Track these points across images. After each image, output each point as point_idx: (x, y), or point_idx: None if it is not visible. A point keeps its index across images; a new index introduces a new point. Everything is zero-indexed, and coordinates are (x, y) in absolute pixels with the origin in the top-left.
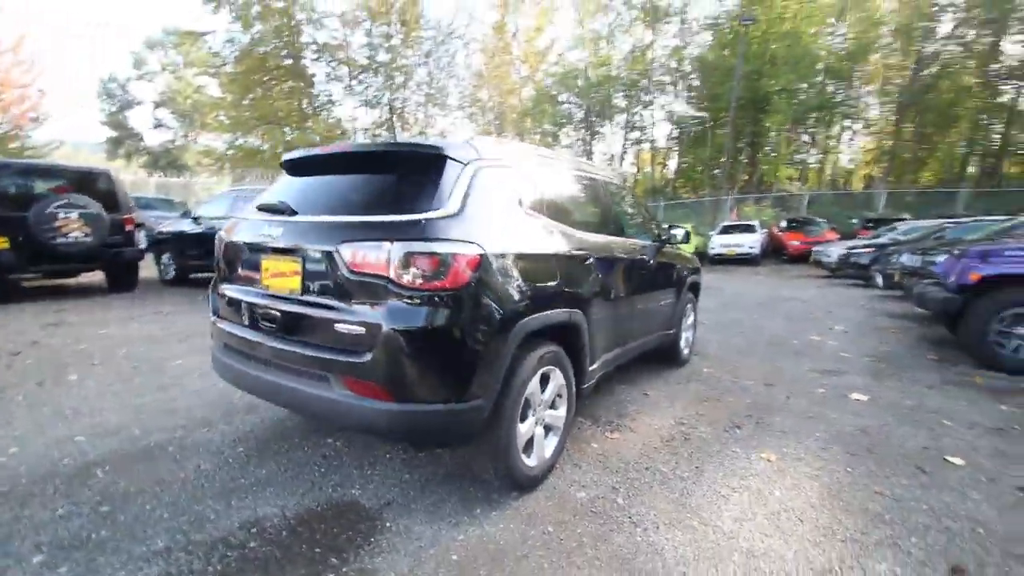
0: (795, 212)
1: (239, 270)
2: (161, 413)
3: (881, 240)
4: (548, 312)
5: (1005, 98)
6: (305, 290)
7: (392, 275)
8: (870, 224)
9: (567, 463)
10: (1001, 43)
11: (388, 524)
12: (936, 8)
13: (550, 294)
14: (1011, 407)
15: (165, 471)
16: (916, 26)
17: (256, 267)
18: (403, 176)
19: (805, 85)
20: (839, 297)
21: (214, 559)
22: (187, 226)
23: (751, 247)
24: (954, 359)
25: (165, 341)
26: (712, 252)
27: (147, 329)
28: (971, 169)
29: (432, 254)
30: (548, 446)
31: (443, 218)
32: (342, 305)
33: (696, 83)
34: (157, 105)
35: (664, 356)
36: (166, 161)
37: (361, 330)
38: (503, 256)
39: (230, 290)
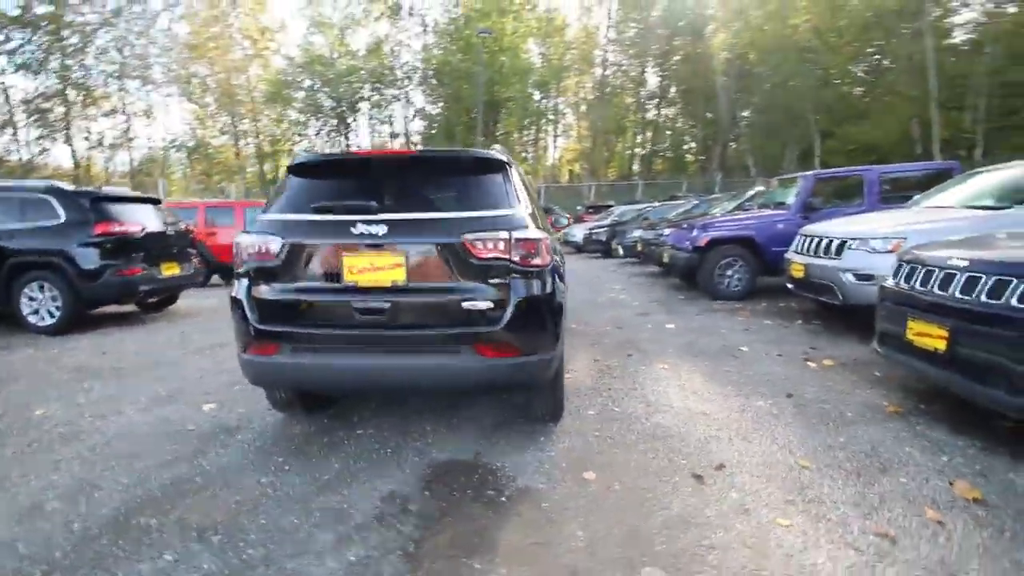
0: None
1: (305, 270)
2: (118, 460)
3: (607, 222)
4: (564, 281)
5: (650, 115)
6: (413, 278)
7: (513, 257)
8: (591, 210)
9: None
10: (646, 72)
11: (497, 463)
12: (605, 41)
13: (561, 266)
14: (743, 317)
15: (230, 495)
16: (592, 54)
17: (333, 265)
18: (472, 178)
19: (526, 95)
20: (597, 267)
21: (399, 520)
22: None
23: None
24: (696, 298)
25: None
26: None
27: None
28: (636, 167)
29: (531, 239)
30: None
31: (526, 212)
32: (468, 286)
33: (441, 84)
34: None
35: None
36: None
37: (490, 304)
38: (549, 240)
39: (291, 292)
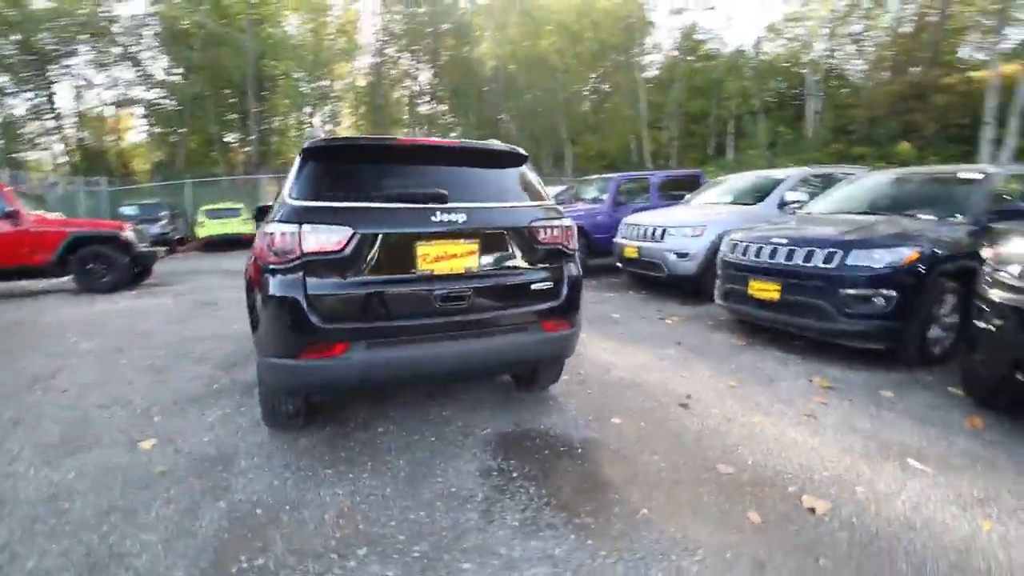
0: None
1: (374, 261)
2: (107, 519)
3: None
4: None
5: (423, 109)
6: (483, 265)
7: (563, 241)
8: None
9: None
10: (418, 68)
11: (539, 427)
12: (375, 30)
13: None
14: (589, 292)
15: (317, 513)
16: (362, 42)
17: (406, 254)
18: (507, 171)
19: (291, 76)
20: None
21: (517, 486)
22: None
23: None
24: None
25: None
26: None
27: None
28: None
29: (571, 226)
30: None
31: (555, 202)
32: (533, 268)
33: (191, 48)
34: None
35: None
36: None
37: (551, 284)
38: None
39: (362, 286)
